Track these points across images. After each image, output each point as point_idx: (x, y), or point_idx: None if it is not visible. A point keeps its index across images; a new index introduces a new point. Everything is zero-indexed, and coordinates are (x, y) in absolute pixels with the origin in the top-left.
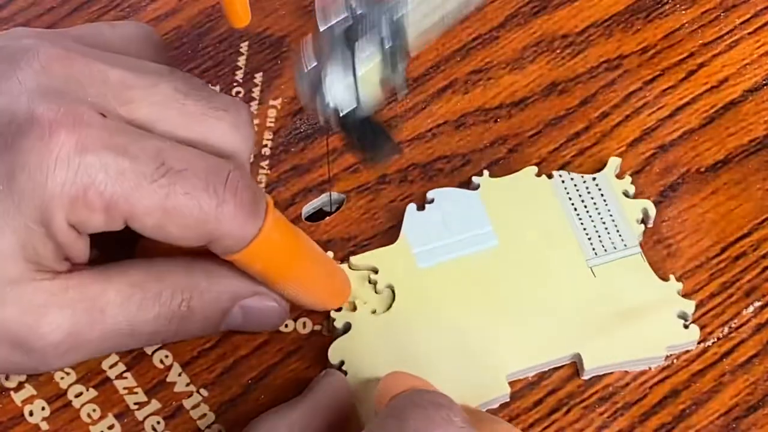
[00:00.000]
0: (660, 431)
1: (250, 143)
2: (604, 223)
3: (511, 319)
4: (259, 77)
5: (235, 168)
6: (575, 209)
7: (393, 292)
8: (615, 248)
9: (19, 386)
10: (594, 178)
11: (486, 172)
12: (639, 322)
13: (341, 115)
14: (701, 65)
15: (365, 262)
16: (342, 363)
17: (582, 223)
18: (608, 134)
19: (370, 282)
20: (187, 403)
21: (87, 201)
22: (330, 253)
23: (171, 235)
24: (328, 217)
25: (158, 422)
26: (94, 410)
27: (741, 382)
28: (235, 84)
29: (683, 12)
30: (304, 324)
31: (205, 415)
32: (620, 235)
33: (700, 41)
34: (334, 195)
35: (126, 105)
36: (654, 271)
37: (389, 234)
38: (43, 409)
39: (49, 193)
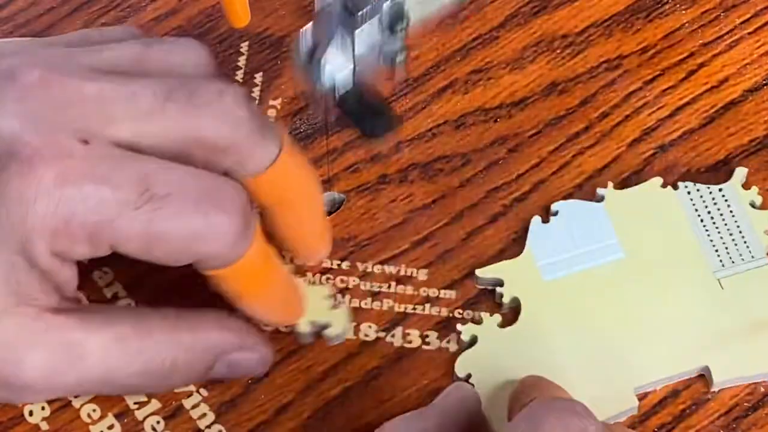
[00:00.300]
0: (660, 431)
1: (246, 126)
2: (731, 233)
3: (639, 331)
4: (259, 77)
5: (224, 186)
6: (701, 220)
7: (519, 305)
8: (743, 259)
9: None
10: (720, 189)
11: (610, 184)
12: None
13: (339, 89)
14: (701, 65)
15: (491, 275)
16: (469, 376)
17: (708, 234)
18: (608, 134)
19: (494, 294)
20: (187, 403)
21: (69, 232)
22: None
23: (158, 259)
24: (328, 217)
25: (158, 422)
26: (94, 410)
27: None
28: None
29: (683, 12)
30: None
31: (205, 415)
32: (747, 246)
33: (700, 41)
34: (334, 195)
35: (109, 125)
36: None
37: (389, 234)
38: (43, 409)
39: (30, 226)
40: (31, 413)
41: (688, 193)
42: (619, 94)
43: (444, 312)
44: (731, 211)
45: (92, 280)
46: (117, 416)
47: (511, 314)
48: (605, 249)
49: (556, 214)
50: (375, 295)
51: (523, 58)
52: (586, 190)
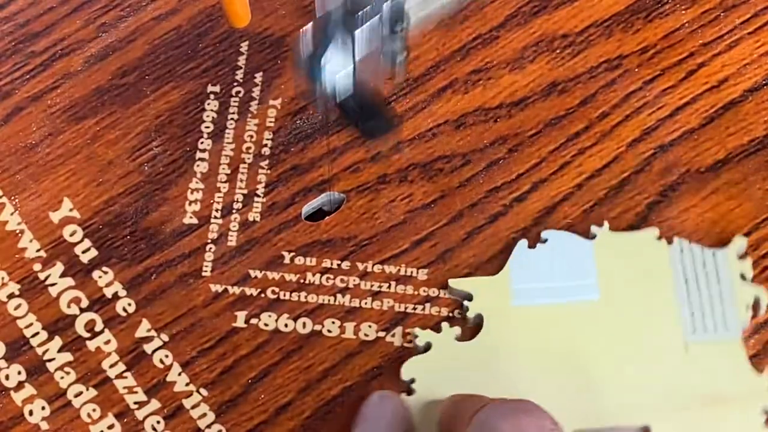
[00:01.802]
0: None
1: None
2: (711, 301)
3: (593, 376)
4: (259, 77)
5: None
6: (686, 280)
7: (482, 323)
8: (716, 329)
9: (19, 386)
10: (714, 254)
11: (606, 225)
12: (720, 409)
13: (340, 92)
14: (701, 65)
15: (462, 287)
16: (412, 381)
17: (689, 296)
18: (608, 134)
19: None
20: (187, 403)
21: None
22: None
23: None
24: (328, 217)
25: (158, 422)
26: (94, 410)
27: None
28: (235, 84)
29: (683, 12)
30: (304, 324)
31: (205, 414)
32: (724, 318)
33: (700, 41)
34: (334, 195)
35: None
36: None
37: (389, 234)
38: (43, 408)
39: None
40: (31, 413)
41: (681, 250)
42: (619, 94)
43: (444, 312)
44: (719, 279)
45: (92, 279)
46: (117, 416)
47: (472, 330)
48: (582, 288)
49: (545, 241)
50: (375, 295)
51: (523, 58)
52: (585, 191)
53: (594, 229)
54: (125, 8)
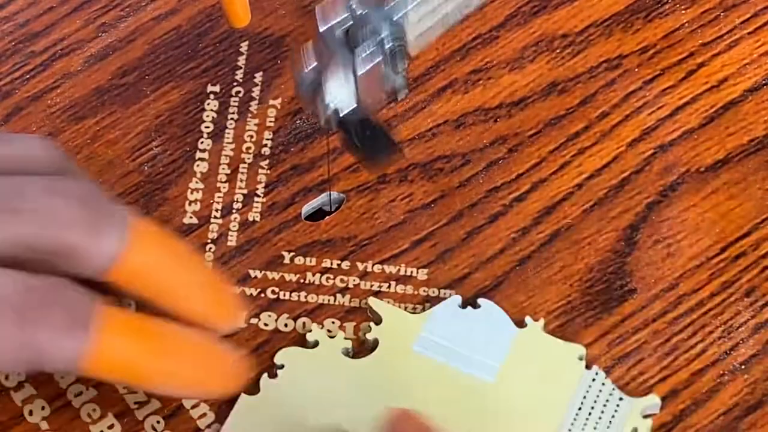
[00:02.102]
0: (660, 431)
1: (78, 227)
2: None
3: None
4: (259, 77)
5: (45, 285)
6: (580, 408)
7: (375, 348)
8: None
9: (19, 386)
10: (621, 398)
11: (542, 321)
12: None
13: (341, 115)
14: (701, 65)
15: (378, 309)
16: (282, 366)
17: (574, 423)
18: (608, 134)
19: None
20: (187, 403)
21: None
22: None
23: None
24: (327, 217)
25: (158, 422)
26: (94, 410)
27: (741, 382)
28: (235, 84)
29: (683, 12)
30: (304, 324)
31: (205, 414)
32: None
33: (700, 41)
34: (334, 195)
35: None
36: (653, 271)
37: (389, 234)
38: (43, 408)
39: None
40: (31, 413)
41: (593, 380)
42: (619, 94)
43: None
44: (610, 423)
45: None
46: (117, 416)
47: (362, 353)
48: (483, 365)
49: (479, 307)
50: (375, 295)
51: (523, 57)
52: (585, 191)
53: (528, 319)
54: (125, 8)
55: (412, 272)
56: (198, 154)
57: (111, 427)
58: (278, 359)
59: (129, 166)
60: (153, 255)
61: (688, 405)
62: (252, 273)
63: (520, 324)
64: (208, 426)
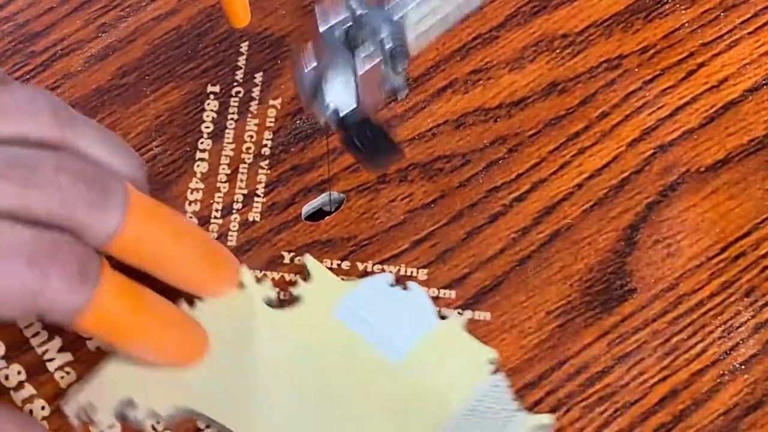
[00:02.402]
0: (660, 431)
1: (82, 202)
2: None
3: (336, 414)
4: (259, 77)
5: (57, 239)
6: (471, 411)
7: (298, 300)
8: None
9: (19, 386)
10: (516, 410)
11: (465, 318)
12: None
13: (341, 115)
14: (701, 65)
15: (311, 268)
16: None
17: (461, 423)
18: (608, 134)
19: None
20: None
21: None
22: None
23: None
24: (327, 217)
25: (158, 422)
26: None
27: (741, 382)
28: (235, 84)
29: (683, 12)
30: None
31: None
32: None
33: (700, 41)
34: (334, 195)
35: None
36: (653, 271)
37: (389, 234)
38: (43, 408)
39: None
40: (31, 413)
41: (495, 386)
42: (619, 94)
43: (444, 312)
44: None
45: None
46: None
47: (285, 305)
48: (393, 346)
49: (406, 289)
50: None
51: (523, 57)
52: (585, 191)
53: (452, 313)
54: (125, 8)
55: (412, 272)
56: (198, 154)
57: (111, 427)
58: None
59: None
60: (149, 228)
61: (688, 405)
62: (252, 273)
63: (466, 316)
64: (208, 426)
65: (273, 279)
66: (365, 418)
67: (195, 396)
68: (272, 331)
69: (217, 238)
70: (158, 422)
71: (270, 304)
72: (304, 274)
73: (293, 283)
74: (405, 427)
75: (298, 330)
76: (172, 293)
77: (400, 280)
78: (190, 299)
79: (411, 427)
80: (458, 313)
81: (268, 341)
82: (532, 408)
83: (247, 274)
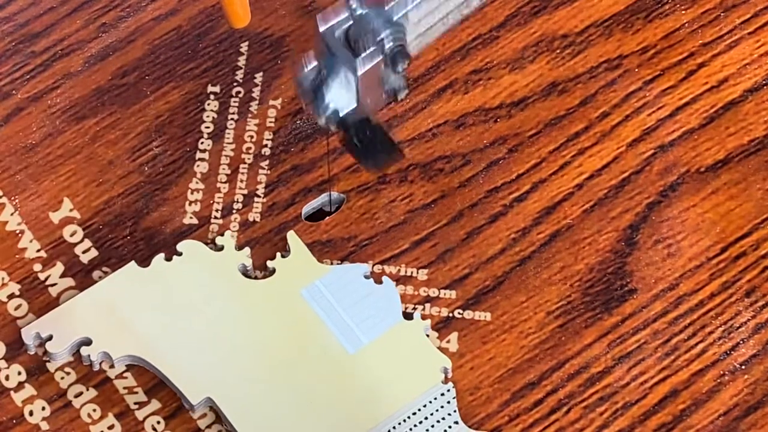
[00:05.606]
0: (660, 431)
1: None
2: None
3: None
4: (259, 77)
5: None
6: (414, 414)
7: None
8: None
9: (19, 386)
10: (457, 422)
11: (428, 322)
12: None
13: (341, 115)
14: (701, 65)
15: (291, 243)
16: (180, 254)
17: (401, 424)
18: (608, 134)
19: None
20: (187, 403)
21: None
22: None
23: None
24: (328, 217)
25: (158, 422)
26: (94, 410)
27: (741, 382)
28: (235, 84)
29: (683, 12)
30: None
31: (205, 414)
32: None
33: (700, 41)
34: (334, 195)
35: None
36: (653, 271)
37: (389, 234)
38: (43, 409)
39: None
40: (31, 413)
41: (442, 394)
42: (619, 95)
43: (444, 312)
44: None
45: (93, 279)
46: (117, 416)
47: (257, 275)
48: (352, 336)
49: (380, 283)
50: None
51: (523, 58)
52: (585, 191)
53: (416, 315)
54: (125, 8)
55: (412, 272)
56: (198, 155)
57: (111, 427)
58: (180, 247)
59: (129, 166)
60: None
61: (688, 405)
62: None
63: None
64: (209, 426)
65: None
66: (311, 397)
67: (148, 346)
68: (238, 298)
69: (217, 238)
70: (111, 366)
71: (244, 272)
72: (285, 249)
73: (272, 257)
74: (348, 412)
75: (263, 301)
76: None
77: (374, 274)
78: (169, 255)
79: (354, 414)
80: (458, 313)
81: (231, 307)
82: (532, 408)
83: (228, 240)
